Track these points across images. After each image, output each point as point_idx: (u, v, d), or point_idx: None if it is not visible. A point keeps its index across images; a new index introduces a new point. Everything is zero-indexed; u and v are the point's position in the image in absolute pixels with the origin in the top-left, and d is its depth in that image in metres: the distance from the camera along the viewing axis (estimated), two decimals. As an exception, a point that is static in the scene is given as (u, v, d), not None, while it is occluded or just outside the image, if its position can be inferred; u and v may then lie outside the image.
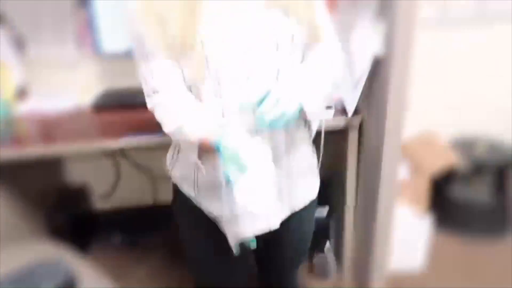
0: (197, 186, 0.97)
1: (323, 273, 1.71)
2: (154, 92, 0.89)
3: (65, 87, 1.73)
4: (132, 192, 2.01)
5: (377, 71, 1.26)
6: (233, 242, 0.88)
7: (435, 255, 1.80)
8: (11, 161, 1.34)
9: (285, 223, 0.97)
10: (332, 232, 1.72)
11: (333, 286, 1.71)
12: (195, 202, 1.00)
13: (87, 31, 1.71)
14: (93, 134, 1.50)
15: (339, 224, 1.69)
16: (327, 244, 1.70)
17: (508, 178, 1.96)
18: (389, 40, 1.18)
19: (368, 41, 1.24)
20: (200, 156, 0.90)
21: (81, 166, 1.99)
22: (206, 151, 0.87)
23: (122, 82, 1.70)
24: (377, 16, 1.22)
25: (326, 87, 0.94)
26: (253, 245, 0.85)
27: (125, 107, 1.58)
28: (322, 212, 1.69)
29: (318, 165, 1.17)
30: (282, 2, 0.86)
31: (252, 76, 0.85)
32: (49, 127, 1.53)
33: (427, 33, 1.81)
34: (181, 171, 1.00)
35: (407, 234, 1.71)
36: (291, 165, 0.98)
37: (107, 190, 2.01)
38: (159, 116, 0.91)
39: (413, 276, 1.76)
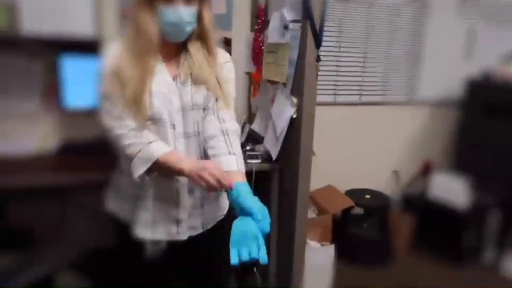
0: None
1: (251, 296, 2.02)
2: (118, 118, 1.11)
3: (29, 136, 1.96)
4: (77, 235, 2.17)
5: (292, 129, 1.76)
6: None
7: (338, 279, 2.24)
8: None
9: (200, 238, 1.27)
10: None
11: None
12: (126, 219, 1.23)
13: (54, 89, 1.99)
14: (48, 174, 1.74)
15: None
16: (254, 269, 2.04)
17: (388, 218, 2.55)
18: (299, 108, 1.70)
19: (285, 109, 1.76)
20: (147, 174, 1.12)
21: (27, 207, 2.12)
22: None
23: (81, 134, 2.01)
24: (291, 93, 1.76)
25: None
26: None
27: (82, 154, 1.87)
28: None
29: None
30: (197, 78, 1.18)
31: (187, 119, 1.18)
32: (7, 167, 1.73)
33: (324, 112, 2.50)
34: (119, 202, 1.26)
35: (317, 261, 2.14)
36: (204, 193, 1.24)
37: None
38: (120, 136, 1.12)
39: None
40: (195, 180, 1.09)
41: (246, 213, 1.04)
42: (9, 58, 1.92)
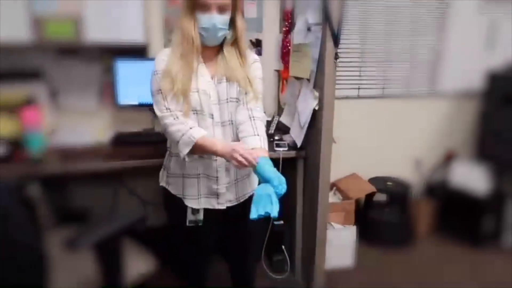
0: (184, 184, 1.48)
1: (280, 270, 2.27)
2: (167, 109, 1.37)
3: (88, 129, 2.30)
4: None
5: (314, 119, 1.98)
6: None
7: (360, 258, 2.45)
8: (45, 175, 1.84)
9: (236, 210, 1.52)
10: (286, 239, 2.32)
11: (287, 279, 2.27)
12: (178, 196, 1.50)
13: (110, 89, 2.32)
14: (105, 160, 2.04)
15: (291, 232, 2.30)
16: (283, 247, 2.29)
17: (410, 204, 2.72)
18: (321, 100, 1.92)
19: (309, 101, 1.98)
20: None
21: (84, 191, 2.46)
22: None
23: (130, 127, 2.33)
24: (313, 87, 1.98)
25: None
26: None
27: (132, 144, 2.18)
28: (279, 223, 2.29)
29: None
30: (230, 77, 1.43)
31: (223, 110, 1.44)
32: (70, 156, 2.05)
33: (349, 105, 2.70)
34: (170, 179, 1.52)
35: (340, 241, 2.36)
36: (237, 172, 1.51)
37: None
38: (170, 124, 1.37)
39: (345, 272, 2.38)
40: (227, 159, 1.34)
41: (266, 180, 1.28)
42: (72, 63, 2.26)
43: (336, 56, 1.84)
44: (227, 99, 1.45)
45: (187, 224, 1.51)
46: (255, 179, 1.62)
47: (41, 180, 1.87)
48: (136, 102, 2.28)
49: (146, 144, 2.18)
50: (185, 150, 1.36)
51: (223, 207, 1.51)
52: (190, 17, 1.35)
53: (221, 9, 1.35)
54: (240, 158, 1.30)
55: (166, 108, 1.38)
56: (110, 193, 2.46)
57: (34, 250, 1.14)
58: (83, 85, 2.32)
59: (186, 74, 1.37)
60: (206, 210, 1.51)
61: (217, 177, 1.48)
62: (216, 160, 1.45)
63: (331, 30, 1.80)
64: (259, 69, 1.51)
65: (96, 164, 2.00)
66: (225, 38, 1.41)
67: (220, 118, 1.45)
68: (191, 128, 1.36)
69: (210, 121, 1.43)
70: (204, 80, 1.42)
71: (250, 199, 1.57)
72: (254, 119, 1.43)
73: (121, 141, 2.25)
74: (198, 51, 1.38)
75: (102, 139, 2.26)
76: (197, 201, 1.49)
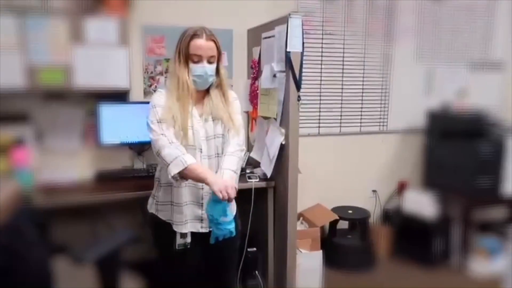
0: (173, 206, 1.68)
1: (254, 294, 2.44)
2: (163, 134, 1.57)
3: (72, 167, 2.45)
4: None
5: (282, 153, 2.25)
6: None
7: (327, 281, 2.65)
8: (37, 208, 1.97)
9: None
10: (259, 264, 2.50)
11: (261, 304, 2.43)
12: (168, 221, 1.69)
13: (92, 130, 2.50)
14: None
15: (263, 258, 2.49)
16: (256, 272, 2.47)
17: (369, 230, 2.99)
18: (286, 136, 2.21)
19: (276, 137, 2.27)
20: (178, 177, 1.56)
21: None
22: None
23: (111, 165, 2.52)
24: (280, 125, 2.27)
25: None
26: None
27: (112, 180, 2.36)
28: (252, 250, 2.48)
29: (250, 215, 2.05)
30: (215, 116, 1.70)
31: (210, 145, 1.69)
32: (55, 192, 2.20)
33: (311, 141, 3.02)
34: (160, 207, 1.71)
35: (308, 265, 2.57)
36: None
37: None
38: (164, 147, 1.56)
39: (314, 294, 2.58)
40: (215, 189, 1.52)
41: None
42: (58, 107, 2.45)
43: (299, 98, 2.15)
44: (214, 135, 1.70)
45: (176, 247, 1.68)
46: (234, 206, 1.85)
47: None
48: (117, 141, 2.48)
49: (125, 180, 2.37)
50: (174, 171, 1.54)
51: (206, 230, 1.71)
52: (184, 67, 1.62)
53: (210, 60, 1.64)
54: (230, 191, 1.51)
55: (162, 134, 1.59)
56: (91, 227, 2.57)
57: (43, 267, 1.29)
58: (67, 127, 2.49)
59: (185, 114, 1.62)
60: (191, 234, 1.70)
61: (202, 203, 1.69)
62: (202, 188, 1.67)
63: (294, 77, 2.13)
64: (238, 105, 1.79)
65: (79, 198, 2.15)
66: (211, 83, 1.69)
67: (207, 152, 1.69)
68: (184, 154, 1.57)
69: (199, 154, 1.66)
70: (195, 119, 1.66)
71: None
72: (230, 155, 1.68)
73: (103, 178, 2.41)
74: (192, 94, 1.64)
75: (85, 176, 2.42)
76: (184, 226, 1.68)
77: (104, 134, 2.46)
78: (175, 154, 1.56)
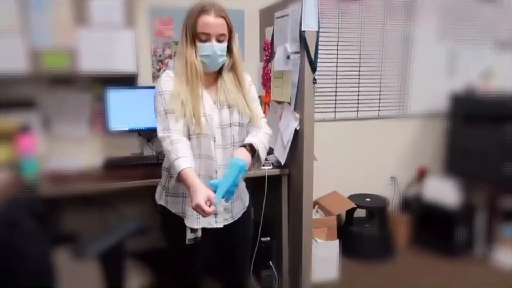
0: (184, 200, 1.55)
1: (268, 285, 2.36)
2: (167, 130, 1.44)
3: (79, 155, 2.39)
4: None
5: (296, 139, 2.14)
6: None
7: (343, 271, 2.56)
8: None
9: (230, 227, 1.62)
10: (273, 254, 2.42)
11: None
12: (178, 214, 1.56)
13: (100, 116, 2.43)
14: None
15: (278, 248, 2.41)
16: (270, 263, 2.39)
17: (388, 219, 2.88)
18: (301, 121, 2.09)
19: (290, 122, 2.15)
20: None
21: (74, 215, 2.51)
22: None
23: (120, 152, 2.44)
24: (294, 110, 2.15)
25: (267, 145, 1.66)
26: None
27: (121, 168, 2.28)
28: (266, 239, 2.40)
29: (263, 204, 1.91)
30: (230, 102, 1.56)
31: (225, 134, 1.57)
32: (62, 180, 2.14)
33: (326, 127, 2.90)
34: (170, 198, 1.58)
35: (324, 255, 2.48)
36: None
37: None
38: (165, 146, 1.45)
39: (330, 285, 2.49)
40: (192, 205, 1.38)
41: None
42: (65, 92, 2.37)
43: (314, 81, 2.02)
44: (230, 123, 1.56)
45: (187, 242, 1.58)
46: (246, 198, 1.75)
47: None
48: (126, 128, 2.40)
49: (135, 168, 2.30)
50: (174, 172, 1.47)
51: (220, 225, 1.60)
52: (192, 46, 1.49)
53: (220, 38, 1.50)
54: (200, 212, 1.37)
55: (168, 129, 1.47)
56: (100, 216, 2.52)
57: (43, 261, 1.21)
58: (74, 113, 2.42)
59: (195, 99, 1.48)
60: (203, 229, 1.59)
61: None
62: (217, 178, 1.55)
63: (309, 58, 2.00)
64: (254, 91, 1.66)
65: (87, 187, 2.08)
66: (223, 65, 1.55)
67: (222, 141, 1.55)
68: (178, 158, 1.41)
69: (213, 143, 1.53)
70: (208, 104, 1.53)
71: (243, 216, 1.70)
72: (259, 130, 1.59)
73: (111, 165, 2.34)
74: (201, 76, 1.50)
75: (93, 163, 2.36)
76: (196, 220, 1.57)
77: (112, 120, 2.39)
78: (173, 157, 1.43)
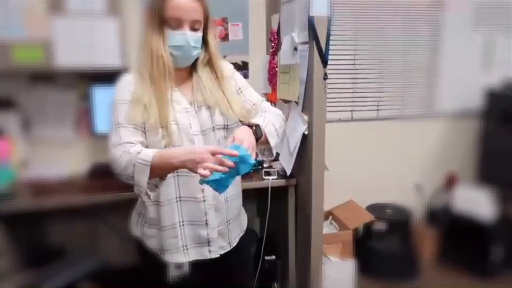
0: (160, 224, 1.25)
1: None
2: (119, 144, 1.16)
3: (62, 160, 2.14)
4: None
5: (304, 145, 1.83)
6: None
7: (360, 294, 2.25)
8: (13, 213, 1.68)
9: (227, 257, 1.31)
10: (278, 274, 2.13)
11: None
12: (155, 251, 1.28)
13: (85, 117, 2.17)
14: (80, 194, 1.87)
15: (283, 267, 2.11)
16: (275, 284, 2.09)
17: (411, 233, 2.54)
18: (310, 124, 1.78)
19: (298, 125, 1.84)
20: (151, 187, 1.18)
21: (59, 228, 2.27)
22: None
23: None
24: (302, 111, 1.84)
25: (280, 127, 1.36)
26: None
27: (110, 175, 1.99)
28: (270, 258, 2.10)
29: (266, 219, 1.61)
30: (210, 103, 1.26)
31: (209, 140, 1.25)
32: (45, 189, 1.89)
33: (342, 128, 2.58)
34: (148, 230, 1.28)
35: (337, 275, 2.16)
36: (228, 213, 1.32)
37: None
38: (119, 160, 1.14)
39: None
40: (193, 169, 1.08)
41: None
42: (45, 90, 2.12)
43: (325, 77, 1.71)
44: (213, 127, 1.27)
45: (170, 281, 1.27)
46: (244, 219, 1.46)
47: (8, 218, 1.72)
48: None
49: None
50: (143, 179, 1.13)
51: (216, 255, 1.31)
52: (158, 35, 1.20)
53: (194, 26, 1.21)
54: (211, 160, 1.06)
55: (121, 143, 1.17)
56: (88, 229, 2.28)
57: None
58: (57, 114, 2.17)
59: (162, 102, 1.19)
60: (191, 262, 1.29)
61: (206, 220, 1.28)
62: (204, 200, 1.25)
63: (319, 49, 1.68)
64: (240, 78, 1.37)
65: (72, 199, 1.83)
66: (197, 59, 1.27)
67: None
68: (139, 152, 1.14)
69: None
70: (181, 108, 1.24)
71: (241, 241, 1.39)
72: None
73: (99, 172, 2.08)
74: (170, 73, 1.21)
75: (78, 170, 2.10)
76: (183, 253, 1.27)
77: (98, 121, 2.12)
78: (131, 162, 1.13)
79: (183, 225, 1.27)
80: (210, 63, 1.28)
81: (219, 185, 1.09)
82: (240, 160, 1.07)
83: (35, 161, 2.13)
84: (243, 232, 1.43)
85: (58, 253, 2.23)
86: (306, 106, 1.81)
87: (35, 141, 2.14)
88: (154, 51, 1.19)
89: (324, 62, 1.69)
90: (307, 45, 1.74)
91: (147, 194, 1.21)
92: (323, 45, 1.67)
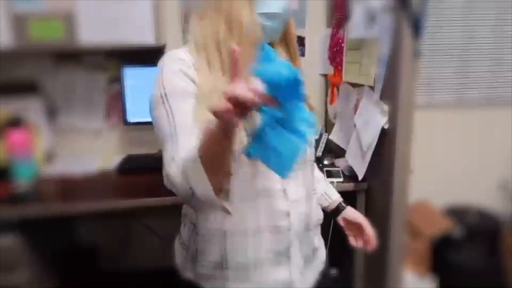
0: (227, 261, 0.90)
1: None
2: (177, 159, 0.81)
3: (91, 153, 1.88)
4: (141, 254, 2.07)
5: (382, 141, 1.44)
6: None
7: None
8: (34, 217, 1.42)
9: None
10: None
11: None
12: None
13: (116, 104, 1.89)
14: (111, 195, 1.59)
15: (348, 282, 1.77)
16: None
17: (499, 243, 2.11)
18: (392, 117, 1.38)
19: (374, 118, 1.44)
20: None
21: (93, 227, 2.05)
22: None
23: (142, 149, 1.88)
24: (380, 99, 1.44)
25: None
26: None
27: (145, 171, 1.69)
28: (332, 272, 1.77)
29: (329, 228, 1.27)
30: None
31: None
32: (72, 188, 1.63)
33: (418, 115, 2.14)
34: (205, 270, 0.92)
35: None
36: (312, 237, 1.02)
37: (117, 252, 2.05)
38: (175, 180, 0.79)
39: None
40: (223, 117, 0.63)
41: None
42: (71, 73, 1.85)
43: (417, 53, 1.29)
44: None
45: None
46: (322, 249, 1.12)
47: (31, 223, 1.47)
48: (148, 119, 1.82)
49: (160, 171, 1.70)
50: (202, 178, 0.75)
51: None
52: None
53: None
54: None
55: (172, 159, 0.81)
56: (121, 229, 2.04)
57: None
58: (84, 99, 1.90)
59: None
60: None
61: (290, 256, 0.92)
62: (289, 229, 0.90)
63: (410, 16, 1.26)
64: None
65: (101, 204, 1.53)
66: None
67: None
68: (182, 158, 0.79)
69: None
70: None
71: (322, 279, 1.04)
72: None
73: (131, 167, 1.79)
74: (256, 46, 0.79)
75: (109, 165, 1.82)
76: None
77: (130, 107, 1.83)
78: (178, 168, 0.78)
79: (262, 262, 0.91)
80: (286, 41, 0.95)
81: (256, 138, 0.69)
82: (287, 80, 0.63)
83: (61, 153, 1.88)
84: (323, 264, 1.09)
85: (90, 254, 2.03)
86: (387, 92, 1.40)
87: (61, 131, 1.89)
88: (236, 20, 0.84)
89: (417, 34, 1.27)
90: (393, 12, 1.33)
91: (220, 198, 0.81)
92: (417, 11, 1.25)
